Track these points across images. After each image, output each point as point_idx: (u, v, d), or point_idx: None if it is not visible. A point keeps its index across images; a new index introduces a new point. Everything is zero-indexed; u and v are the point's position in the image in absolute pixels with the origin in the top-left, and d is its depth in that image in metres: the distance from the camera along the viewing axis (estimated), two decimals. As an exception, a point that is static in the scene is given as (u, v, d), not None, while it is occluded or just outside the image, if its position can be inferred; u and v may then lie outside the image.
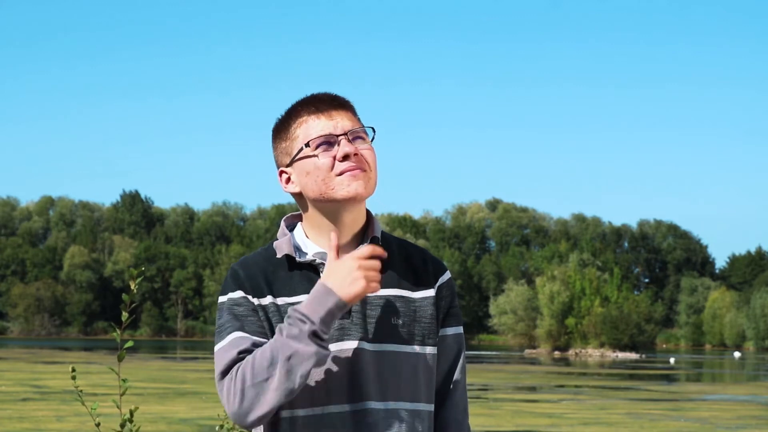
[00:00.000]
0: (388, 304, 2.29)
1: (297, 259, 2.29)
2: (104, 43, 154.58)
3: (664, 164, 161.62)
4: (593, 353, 75.28)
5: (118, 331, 4.08)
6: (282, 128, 2.35)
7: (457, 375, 2.39)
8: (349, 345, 2.24)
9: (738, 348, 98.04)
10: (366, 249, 2.20)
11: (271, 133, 2.39)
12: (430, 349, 2.32)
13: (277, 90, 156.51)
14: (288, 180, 2.34)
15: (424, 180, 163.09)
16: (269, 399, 2.13)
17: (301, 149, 2.29)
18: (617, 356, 71.81)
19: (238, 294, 2.25)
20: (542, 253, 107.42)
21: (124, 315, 4.05)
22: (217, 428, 4.54)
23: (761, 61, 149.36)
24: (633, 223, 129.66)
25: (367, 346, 2.25)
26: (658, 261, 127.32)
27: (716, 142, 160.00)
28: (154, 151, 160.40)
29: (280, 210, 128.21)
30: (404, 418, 2.26)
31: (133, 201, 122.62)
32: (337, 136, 2.28)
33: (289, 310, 2.18)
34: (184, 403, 20.37)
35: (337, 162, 2.27)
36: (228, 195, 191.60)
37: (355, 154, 2.27)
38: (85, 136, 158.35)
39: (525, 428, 17.27)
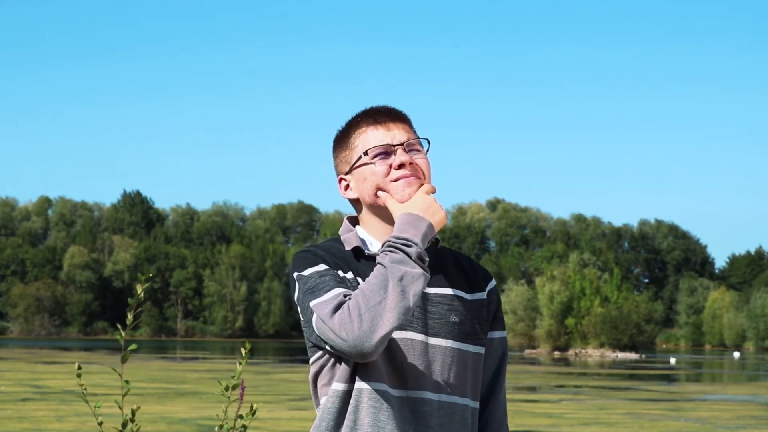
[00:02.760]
0: (448, 302, 2.42)
1: (366, 251, 2.41)
2: (104, 43, 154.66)
3: (664, 164, 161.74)
4: (593, 353, 75.25)
5: (123, 333, 4.10)
6: (342, 139, 2.50)
7: (501, 377, 2.54)
8: (411, 336, 2.36)
9: (738, 348, 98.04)
10: (429, 187, 2.40)
11: (332, 143, 2.53)
12: (480, 349, 2.46)
13: (278, 90, 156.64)
14: (347, 187, 2.49)
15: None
16: (388, 319, 2.20)
17: (360, 157, 2.44)
18: (617, 356, 71.79)
19: (322, 267, 2.35)
20: (542, 253, 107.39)
21: (129, 318, 4.07)
22: (216, 429, 4.55)
23: (761, 61, 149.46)
24: (633, 223, 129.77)
25: (426, 339, 2.37)
26: (657, 261, 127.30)
27: (716, 142, 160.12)
28: (154, 151, 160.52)
29: (280, 210, 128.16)
30: (457, 411, 2.39)
31: (133, 201, 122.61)
32: (394, 146, 2.43)
33: (384, 241, 2.31)
34: (184, 403, 20.38)
35: (393, 170, 2.41)
36: (228, 195, 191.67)
37: (411, 164, 2.42)
38: (85, 136, 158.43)
39: (525, 428, 17.27)
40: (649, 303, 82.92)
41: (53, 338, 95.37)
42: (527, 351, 79.81)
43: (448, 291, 2.42)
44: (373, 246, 2.43)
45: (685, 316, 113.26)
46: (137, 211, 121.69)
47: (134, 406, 4.13)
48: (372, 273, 2.26)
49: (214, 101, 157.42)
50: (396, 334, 2.32)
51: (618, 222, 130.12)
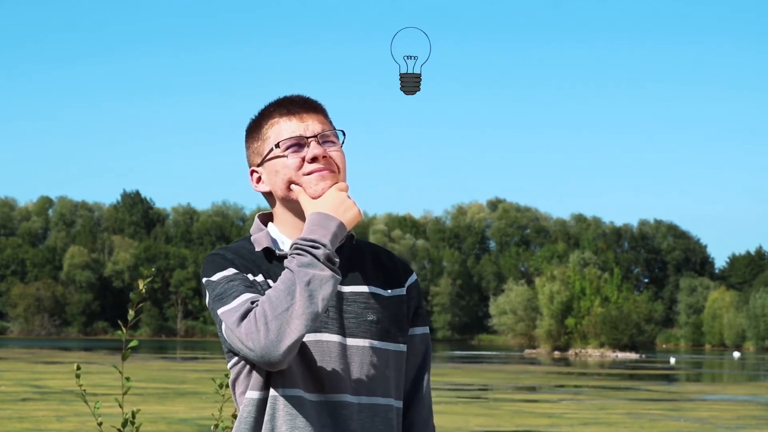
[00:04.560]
0: (364, 300, 2.34)
1: (277, 252, 2.33)
2: (104, 43, 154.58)
3: (664, 164, 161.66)
4: (593, 353, 75.26)
5: (124, 330, 4.11)
6: (254, 129, 2.41)
7: (424, 375, 2.45)
8: (327, 338, 2.28)
9: (738, 348, 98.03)
10: (342, 185, 2.31)
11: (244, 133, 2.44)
12: (401, 347, 2.38)
13: (277, 90, 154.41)
14: (258, 179, 2.40)
15: (424, 180, 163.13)
16: (295, 326, 2.13)
17: (272, 150, 2.35)
18: (617, 356, 71.80)
19: (231, 271, 2.26)
20: (542, 253, 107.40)
21: (131, 314, 4.08)
22: (212, 428, 4.55)
23: (761, 61, 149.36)
24: (633, 223, 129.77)
25: (343, 340, 2.29)
26: (657, 261, 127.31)
27: (716, 142, 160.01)
28: (154, 151, 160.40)
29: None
30: (378, 412, 2.31)
31: (133, 201, 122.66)
32: (307, 138, 2.34)
33: (292, 244, 2.22)
34: (184, 403, 20.39)
35: (306, 163, 2.32)
36: (228, 195, 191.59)
37: (324, 157, 2.33)
38: (85, 136, 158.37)
39: (525, 428, 17.28)
40: (649, 303, 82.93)
41: (53, 338, 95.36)
42: (527, 351, 79.80)
43: (364, 289, 2.34)
44: (285, 245, 2.35)
45: (685, 316, 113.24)
46: (137, 211, 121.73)
47: (135, 408, 4.13)
48: (279, 278, 2.18)
49: (214, 101, 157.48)
50: (310, 337, 2.25)
51: (618, 222, 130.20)
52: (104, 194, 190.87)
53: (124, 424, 4.10)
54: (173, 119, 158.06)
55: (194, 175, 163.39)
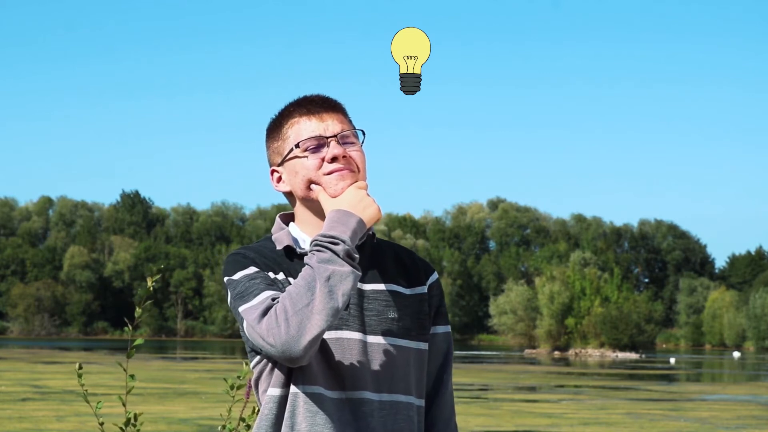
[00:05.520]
0: (385, 298, 2.34)
1: (298, 250, 2.34)
2: (103, 43, 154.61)
3: (664, 164, 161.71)
4: (593, 353, 75.26)
5: (129, 328, 4.13)
6: (274, 128, 2.42)
7: (446, 373, 2.46)
8: (347, 335, 2.29)
9: (738, 348, 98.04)
10: (362, 183, 2.32)
11: (264, 132, 2.45)
12: (423, 345, 2.38)
13: (277, 90, 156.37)
14: (279, 179, 2.41)
15: (424, 180, 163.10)
16: (316, 321, 2.13)
17: (292, 150, 2.35)
18: (617, 356, 71.79)
19: (252, 269, 2.28)
20: (542, 253, 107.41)
21: (138, 311, 4.09)
22: (219, 428, 4.55)
23: (761, 60, 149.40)
24: (633, 223, 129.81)
25: (363, 337, 2.30)
26: (657, 261, 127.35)
27: (716, 142, 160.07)
28: (154, 151, 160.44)
29: (280, 210, 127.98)
30: (399, 410, 2.32)
31: (133, 201, 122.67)
32: (327, 138, 2.34)
33: (312, 240, 2.23)
34: (184, 403, 20.39)
35: (325, 163, 2.33)
36: (228, 195, 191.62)
37: (344, 156, 2.33)
38: (85, 136, 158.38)
39: (525, 428, 17.28)
40: (649, 303, 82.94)
41: (53, 338, 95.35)
42: (527, 351, 79.80)
43: (384, 286, 2.35)
44: (306, 243, 2.36)
45: (685, 316, 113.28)
46: (137, 211, 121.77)
47: (137, 411, 4.14)
48: (299, 274, 2.19)
49: (214, 101, 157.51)
50: (331, 334, 2.26)
51: (618, 222, 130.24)
52: (104, 194, 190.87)
53: (127, 423, 4.11)
54: (173, 119, 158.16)
55: (194, 175, 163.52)
